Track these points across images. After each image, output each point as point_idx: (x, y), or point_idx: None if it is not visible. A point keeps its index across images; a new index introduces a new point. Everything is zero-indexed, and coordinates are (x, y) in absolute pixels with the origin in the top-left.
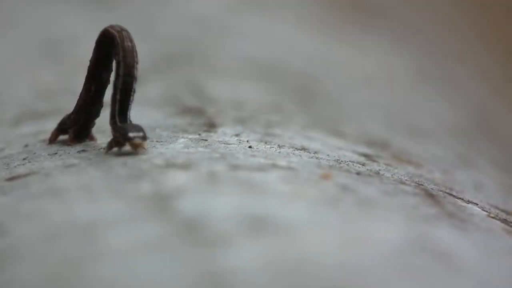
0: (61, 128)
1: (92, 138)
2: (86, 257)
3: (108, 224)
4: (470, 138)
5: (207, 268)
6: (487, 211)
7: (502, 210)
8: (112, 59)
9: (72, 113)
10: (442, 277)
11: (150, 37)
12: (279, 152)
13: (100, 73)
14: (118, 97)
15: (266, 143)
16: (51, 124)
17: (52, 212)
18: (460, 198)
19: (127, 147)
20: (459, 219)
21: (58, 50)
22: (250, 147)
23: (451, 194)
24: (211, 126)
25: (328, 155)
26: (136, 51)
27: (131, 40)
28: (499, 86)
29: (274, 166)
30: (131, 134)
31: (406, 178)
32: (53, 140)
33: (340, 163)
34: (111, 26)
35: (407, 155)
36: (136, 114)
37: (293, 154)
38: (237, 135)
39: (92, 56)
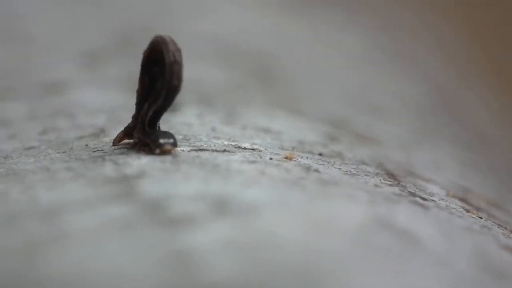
0: (127, 131)
1: None
2: (49, 240)
3: (71, 206)
4: (429, 115)
5: (171, 248)
6: (446, 190)
7: (461, 188)
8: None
9: (134, 117)
10: (404, 255)
11: (107, 16)
12: (242, 134)
13: (152, 66)
14: (156, 104)
15: (228, 124)
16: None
17: (13, 195)
18: (420, 177)
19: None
20: (419, 198)
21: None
22: (213, 128)
23: (411, 173)
24: (172, 107)
25: (290, 135)
26: (182, 67)
27: (179, 54)
28: (459, 64)
29: (238, 147)
30: (162, 141)
31: (367, 158)
32: (117, 142)
33: (302, 144)
34: (161, 38)
35: (368, 134)
36: (95, 96)
37: (256, 135)
38: (199, 116)
39: (143, 56)
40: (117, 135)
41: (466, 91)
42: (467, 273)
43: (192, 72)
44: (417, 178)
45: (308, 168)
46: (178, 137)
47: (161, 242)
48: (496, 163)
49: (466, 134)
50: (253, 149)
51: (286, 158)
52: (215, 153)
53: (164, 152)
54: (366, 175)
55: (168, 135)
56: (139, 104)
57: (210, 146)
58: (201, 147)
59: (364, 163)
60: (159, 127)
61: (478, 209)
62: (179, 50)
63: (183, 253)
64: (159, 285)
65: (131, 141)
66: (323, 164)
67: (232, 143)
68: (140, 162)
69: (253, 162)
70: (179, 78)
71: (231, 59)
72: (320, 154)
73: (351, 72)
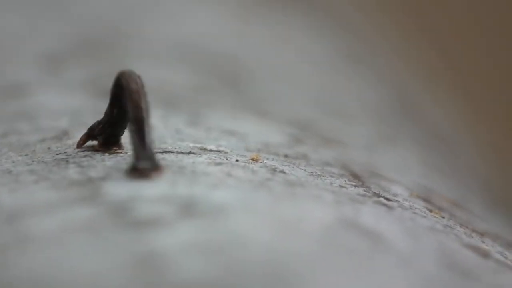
0: (90, 133)
1: (120, 147)
2: (12, 243)
3: (35, 208)
4: (391, 118)
5: (137, 250)
6: (409, 190)
7: (424, 188)
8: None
9: (100, 122)
10: (370, 254)
11: (67, 18)
12: (207, 136)
13: (120, 100)
14: (133, 128)
15: (193, 126)
16: None
17: None
18: (384, 178)
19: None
20: (383, 198)
21: None
22: (177, 130)
23: (375, 174)
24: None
25: (256, 137)
26: (143, 89)
27: (137, 83)
28: (417, 68)
29: (203, 149)
30: (141, 165)
31: (332, 160)
32: (81, 144)
33: (268, 145)
34: (122, 75)
35: (333, 136)
36: (57, 99)
37: (222, 137)
38: (162, 118)
39: (111, 92)
40: (81, 137)
41: (425, 94)
42: (432, 272)
43: (156, 74)
44: (381, 179)
45: (274, 170)
46: None
47: (126, 244)
48: (456, 163)
49: (426, 135)
50: (219, 151)
51: (252, 159)
52: (180, 155)
53: (143, 176)
54: (331, 176)
55: (150, 157)
56: (105, 123)
57: (175, 148)
58: (166, 149)
59: (329, 164)
60: (148, 146)
61: (441, 209)
62: (142, 87)
63: (150, 255)
64: (124, 287)
65: (95, 143)
66: (289, 166)
67: (198, 145)
68: (105, 164)
69: (219, 164)
70: (145, 111)
71: (196, 61)
72: (286, 156)
73: (315, 75)
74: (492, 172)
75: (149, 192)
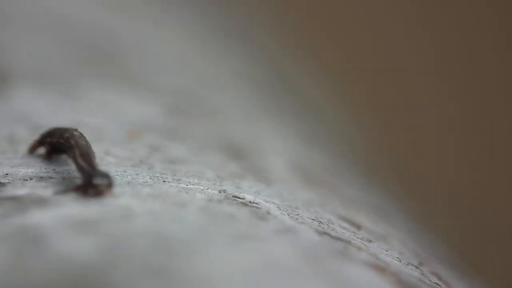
0: (42, 140)
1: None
2: None
3: None
4: (266, 90)
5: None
6: (286, 164)
7: (302, 163)
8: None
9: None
10: (252, 222)
11: None
12: (85, 110)
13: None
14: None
15: (69, 99)
16: None
17: None
18: (264, 152)
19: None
20: (263, 173)
21: None
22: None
23: (256, 147)
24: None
25: (133, 113)
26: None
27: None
28: (293, 42)
29: (81, 123)
30: (96, 181)
31: (211, 137)
32: (32, 151)
33: (145, 121)
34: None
35: (211, 109)
36: None
37: (97, 112)
38: (38, 93)
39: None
40: (31, 143)
41: (301, 69)
42: (313, 239)
43: (28, 48)
44: (261, 153)
45: (153, 147)
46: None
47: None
48: (331, 136)
49: (299, 105)
50: (96, 128)
51: (131, 135)
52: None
53: (98, 194)
54: (211, 153)
55: (104, 175)
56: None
57: (52, 124)
58: (42, 125)
59: (208, 141)
60: (98, 166)
61: (318, 182)
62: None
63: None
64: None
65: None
66: (169, 143)
67: (76, 119)
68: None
69: (98, 140)
70: (94, 164)
71: (68, 34)
72: (168, 132)
73: (193, 51)
74: (359, 139)
75: (27, 172)
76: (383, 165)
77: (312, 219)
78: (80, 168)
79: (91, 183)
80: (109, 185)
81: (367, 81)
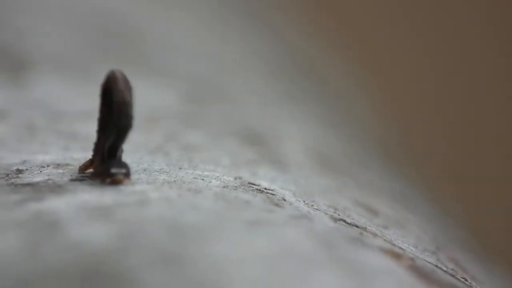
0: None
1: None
2: None
3: None
4: (286, 75)
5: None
6: (306, 150)
7: (319, 149)
8: None
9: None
10: (265, 207)
11: None
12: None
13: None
14: (109, 140)
15: (87, 85)
16: None
17: None
18: (280, 137)
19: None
20: (279, 160)
21: None
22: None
23: (272, 133)
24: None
25: (150, 100)
26: (131, 106)
27: (125, 81)
28: (311, 25)
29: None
30: (113, 171)
31: (228, 124)
32: (83, 170)
33: (162, 108)
34: (112, 74)
35: (228, 95)
36: None
37: None
38: (63, 82)
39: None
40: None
41: (321, 54)
42: (328, 225)
43: (46, 35)
44: (278, 140)
45: (169, 133)
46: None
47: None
48: (350, 121)
49: (322, 94)
50: None
51: (148, 122)
52: (74, 121)
53: (115, 182)
54: (230, 139)
55: (121, 164)
56: (99, 132)
57: (70, 112)
58: (61, 113)
59: (227, 126)
60: (119, 156)
61: (336, 168)
62: (129, 89)
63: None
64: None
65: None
66: (187, 129)
67: (88, 108)
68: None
69: None
70: (128, 118)
71: (86, 20)
72: (186, 118)
73: (211, 37)
74: (382, 127)
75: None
76: (401, 151)
77: (328, 205)
78: (99, 151)
79: (108, 172)
80: (127, 175)
81: (386, 68)
